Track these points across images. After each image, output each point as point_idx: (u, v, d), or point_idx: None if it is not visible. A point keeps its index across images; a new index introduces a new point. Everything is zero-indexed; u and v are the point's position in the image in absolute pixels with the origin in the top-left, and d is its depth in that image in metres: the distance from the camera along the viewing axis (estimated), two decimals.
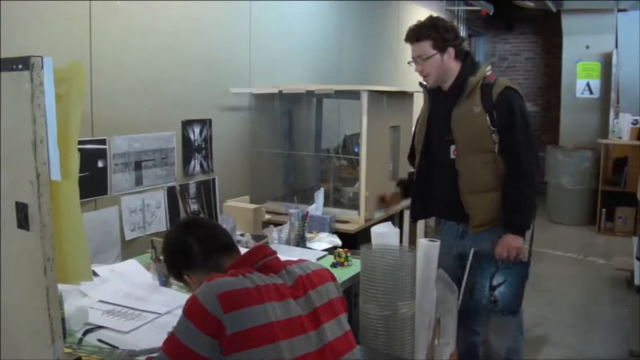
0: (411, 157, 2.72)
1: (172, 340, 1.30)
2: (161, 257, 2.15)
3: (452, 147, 2.39)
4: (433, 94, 2.51)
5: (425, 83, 2.48)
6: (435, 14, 2.66)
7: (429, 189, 2.55)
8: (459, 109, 2.36)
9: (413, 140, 2.69)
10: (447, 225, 2.54)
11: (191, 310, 1.28)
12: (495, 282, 2.38)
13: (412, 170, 2.71)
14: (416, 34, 2.39)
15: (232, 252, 1.53)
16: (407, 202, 3.88)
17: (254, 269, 1.39)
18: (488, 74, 2.41)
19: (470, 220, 2.39)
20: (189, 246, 1.51)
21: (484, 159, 2.35)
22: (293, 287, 1.40)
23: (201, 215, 2.90)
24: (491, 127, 2.32)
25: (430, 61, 2.37)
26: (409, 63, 2.48)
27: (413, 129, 2.76)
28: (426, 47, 2.37)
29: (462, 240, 2.46)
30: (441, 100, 2.45)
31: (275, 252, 1.48)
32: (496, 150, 2.34)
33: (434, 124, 2.50)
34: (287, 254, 2.25)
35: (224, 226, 2.33)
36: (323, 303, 1.43)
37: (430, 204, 2.59)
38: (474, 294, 2.39)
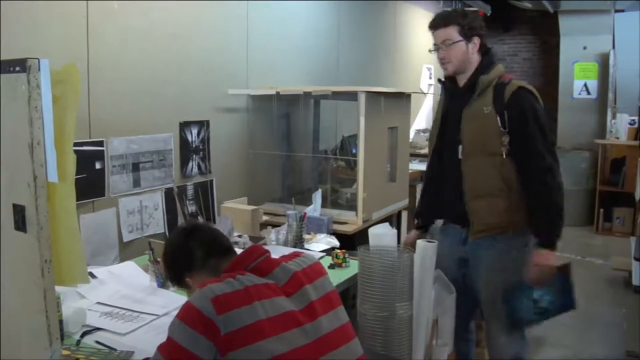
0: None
1: (168, 343, 1.32)
2: (159, 260, 2.17)
3: (460, 148, 2.32)
4: (450, 90, 2.44)
5: (444, 72, 2.40)
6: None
7: (438, 190, 2.48)
8: (469, 109, 2.30)
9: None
10: (451, 228, 2.47)
11: (187, 314, 1.32)
12: (536, 295, 2.21)
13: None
14: (443, 19, 2.32)
15: (231, 255, 1.56)
16: (404, 203, 3.87)
17: (247, 271, 1.43)
18: (504, 73, 2.33)
19: (471, 226, 2.32)
20: (191, 250, 1.55)
21: (491, 162, 2.25)
22: (287, 284, 1.44)
23: (199, 217, 2.90)
24: (501, 129, 2.22)
25: (455, 47, 2.29)
26: (430, 51, 2.42)
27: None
28: (452, 32, 2.29)
29: (464, 246, 2.39)
30: (456, 98, 2.39)
31: (266, 252, 1.51)
32: (504, 154, 2.23)
33: (448, 122, 2.43)
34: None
35: (222, 228, 2.34)
36: (319, 296, 1.47)
37: (439, 205, 2.51)
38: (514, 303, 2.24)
